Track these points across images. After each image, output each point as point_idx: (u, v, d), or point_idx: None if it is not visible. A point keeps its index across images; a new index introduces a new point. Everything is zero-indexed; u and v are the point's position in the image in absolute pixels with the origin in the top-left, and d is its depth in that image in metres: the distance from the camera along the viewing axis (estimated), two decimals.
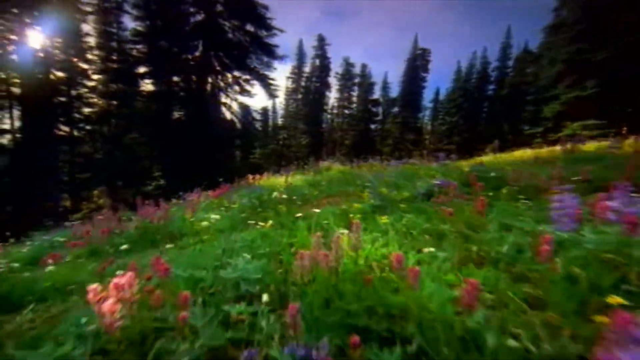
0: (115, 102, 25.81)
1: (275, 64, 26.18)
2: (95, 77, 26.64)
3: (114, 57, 25.28)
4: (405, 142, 49.22)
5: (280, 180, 9.33)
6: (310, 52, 50.27)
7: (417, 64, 48.39)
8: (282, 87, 51.02)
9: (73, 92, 26.84)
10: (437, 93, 51.98)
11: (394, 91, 51.83)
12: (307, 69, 50.85)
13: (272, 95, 26.53)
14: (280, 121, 51.32)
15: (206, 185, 17.14)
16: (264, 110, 49.57)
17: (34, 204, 23.50)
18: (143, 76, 24.85)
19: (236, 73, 26.19)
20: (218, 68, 25.99)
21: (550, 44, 32.89)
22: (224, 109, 26.37)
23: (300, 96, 50.69)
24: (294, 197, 5.78)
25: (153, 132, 23.70)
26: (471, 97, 43.75)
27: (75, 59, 26.38)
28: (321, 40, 49.04)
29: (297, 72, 50.65)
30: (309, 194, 5.90)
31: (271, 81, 26.21)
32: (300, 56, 50.20)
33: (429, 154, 47.63)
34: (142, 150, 23.67)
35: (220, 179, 15.13)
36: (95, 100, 26.38)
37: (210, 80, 25.58)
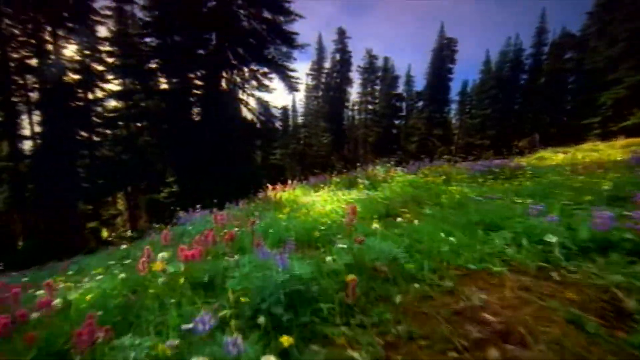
0: (128, 102, 23.07)
1: (295, 54, 22.60)
2: (110, 77, 24.15)
3: (127, 53, 22.44)
4: (432, 138, 44.65)
5: (315, 198, 5.69)
6: (329, 47, 46.47)
7: (444, 54, 43.60)
8: (302, 84, 47.54)
9: (90, 96, 24.46)
10: (464, 85, 47.03)
11: (418, 85, 47.32)
12: (327, 64, 47.11)
13: (292, 88, 23.02)
14: (300, 120, 47.80)
15: (220, 196, 13.50)
16: (284, 109, 46.30)
17: (52, 211, 21.27)
18: (154, 72, 21.85)
19: (253, 66, 22.77)
20: (234, 61, 22.64)
21: (603, 23, 27.73)
22: (241, 106, 23.06)
23: (320, 93, 46.96)
24: (387, 277, 2.14)
25: (165, 133, 20.70)
26: (506, 87, 38.67)
27: (91, 62, 23.91)
28: (341, 33, 45.03)
29: (317, 68, 46.92)
30: (415, 269, 2.19)
31: (291, 73, 22.66)
32: (320, 51, 46.42)
33: (459, 149, 42.79)
34: (154, 153, 20.73)
35: (233, 191, 11.82)
36: (112, 101, 23.92)
37: (225, 75, 22.28)
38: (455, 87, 60.35)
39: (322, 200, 5.45)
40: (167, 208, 19.56)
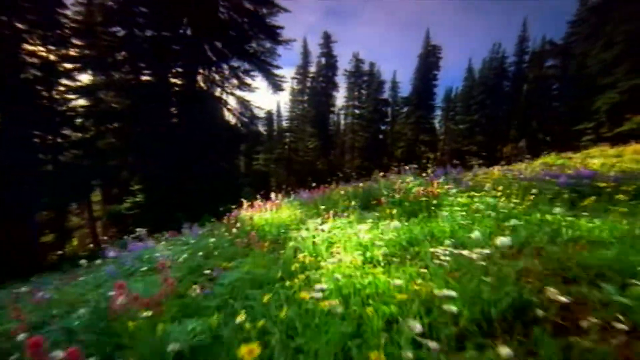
0: (91, 99, 19.71)
1: (280, 50, 20.01)
2: (75, 72, 20.70)
3: (90, 43, 19.16)
4: (419, 144, 43.01)
5: (317, 234, 3.09)
6: (315, 51, 44.27)
7: (430, 60, 42.23)
8: (287, 82, 45.09)
9: (55, 95, 20.92)
10: (449, 92, 45.88)
11: (403, 91, 45.77)
12: (312, 69, 44.83)
13: (276, 87, 20.35)
14: (285, 124, 45.13)
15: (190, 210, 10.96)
16: (269, 114, 43.63)
17: (8, 223, 17.77)
18: (119, 67, 18.70)
19: (234, 63, 20.08)
20: (212, 57, 19.87)
21: (594, 27, 26.64)
22: (220, 106, 20.27)
23: (306, 97, 44.55)
24: None
25: (131, 135, 17.61)
26: (493, 93, 37.51)
27: (55, 57, 20.45)
28: (327, 37, 42.90)
29: (302, 73, 44.50)
30: None
31: (275, 71, 20.06)
32: (305, 55, 44.11)
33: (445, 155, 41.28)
34: (119, 158, 17.53)
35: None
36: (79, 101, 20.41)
37: (202, 71, 19.47)
38: (437, 95, 59.03)
39: (332, 240, 2.89)
40: (132, 220, 16.44)
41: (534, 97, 36.85)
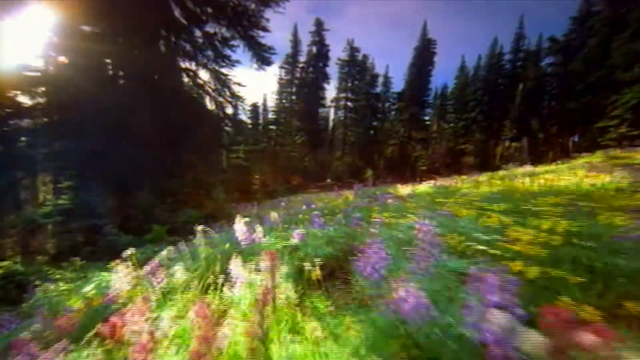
0: None
1: (269, 14, 15.17)
2: None
3: None
4: (412, 142, 39.10)
5: None
6: (305, 40, 39.41)
7: (425, 54, 38.33)
8: (275, 78, 40.02)
9: None
10: (444, 88, 42.14)
11: (394, 87, 41.72)
12: (302, 58, 39.96)
13: (263, 61, 15.46)
14: (271, 116, 40.01)
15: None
16: (254, 106, 38.49)
17: None
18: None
19: (209, 28, 15.09)
20: (182, 20, 14.81)
21: (609, 20, 23.37)
22: (189, 83, 15.25)
23: (294, 89, 39.67)
24: None
25: (62, 115, 12.35)
26: (491, 91, 34.03)
27: None
28: (319, 25, 38.17)
29: (291, 62, 39.56)
30: None
31: (261, 39, 15.20)
32: (295, 44, 39.16)
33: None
34: (41, 144, 12.20)
35: None
36: None
37: (165, 33, 14.35)
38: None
39: None
40: (52, 232, 11.31)
41: (532, 95, 33.58)
